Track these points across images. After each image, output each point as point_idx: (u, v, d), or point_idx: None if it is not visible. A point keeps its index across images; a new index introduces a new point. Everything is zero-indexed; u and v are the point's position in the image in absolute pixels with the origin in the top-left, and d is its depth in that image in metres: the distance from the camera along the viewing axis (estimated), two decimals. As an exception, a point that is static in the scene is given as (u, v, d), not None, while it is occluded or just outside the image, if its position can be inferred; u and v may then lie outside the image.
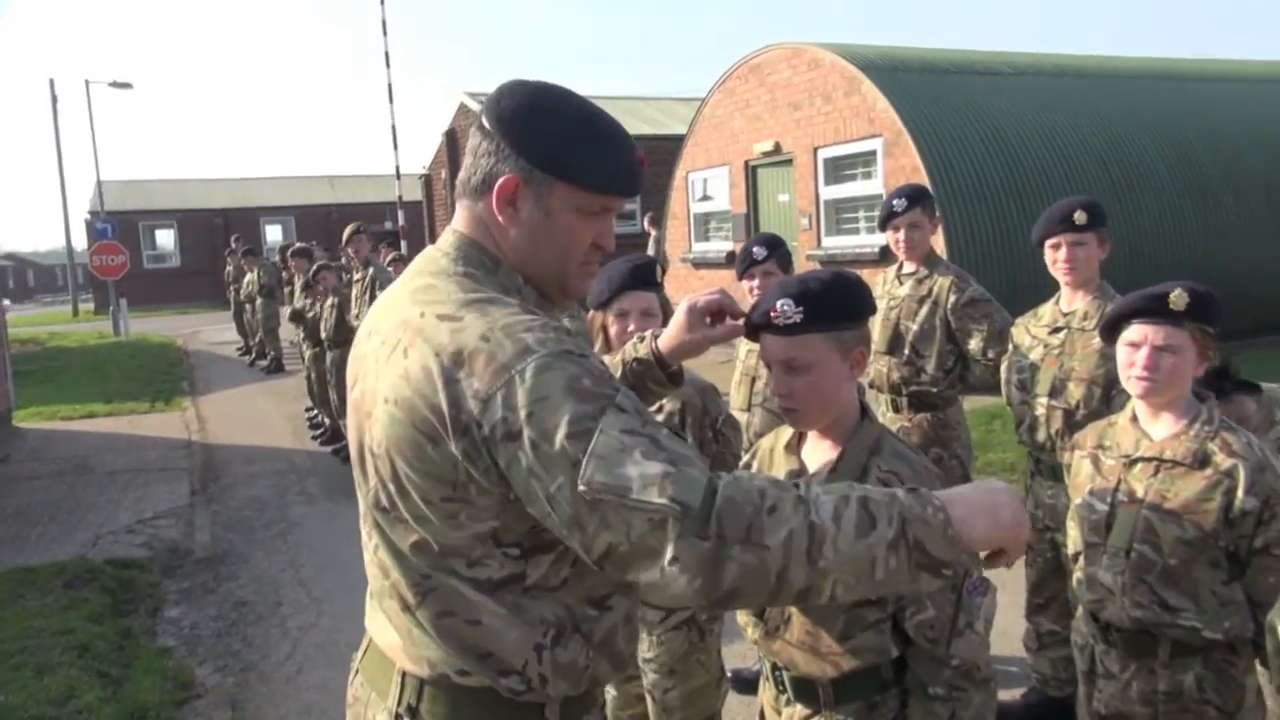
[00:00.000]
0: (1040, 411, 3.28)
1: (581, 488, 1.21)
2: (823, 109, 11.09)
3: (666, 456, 1.22)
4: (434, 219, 23.26)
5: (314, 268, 8.74)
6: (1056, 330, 3.28)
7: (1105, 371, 3.09)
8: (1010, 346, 3.48)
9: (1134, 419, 2.35)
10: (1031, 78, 11.30)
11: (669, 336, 1.78)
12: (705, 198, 13.89)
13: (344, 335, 7.74)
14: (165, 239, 33.07)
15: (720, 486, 1.22)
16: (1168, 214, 10.50)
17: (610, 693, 2.75)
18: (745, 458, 2.11)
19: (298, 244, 12.22)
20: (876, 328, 3.86)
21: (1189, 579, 2.22)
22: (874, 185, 10.53)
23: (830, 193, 11.32)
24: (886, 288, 4.00)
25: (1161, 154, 10.83)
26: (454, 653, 1.39)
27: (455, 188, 1.49)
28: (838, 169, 11.21)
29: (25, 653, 4.15)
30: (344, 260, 10.08)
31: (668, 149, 15.09)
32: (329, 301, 8.16)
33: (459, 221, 1.49)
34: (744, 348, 3.81)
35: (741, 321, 1.78)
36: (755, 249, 3.61)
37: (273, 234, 32.20)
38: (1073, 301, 3.28)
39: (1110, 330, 2.35)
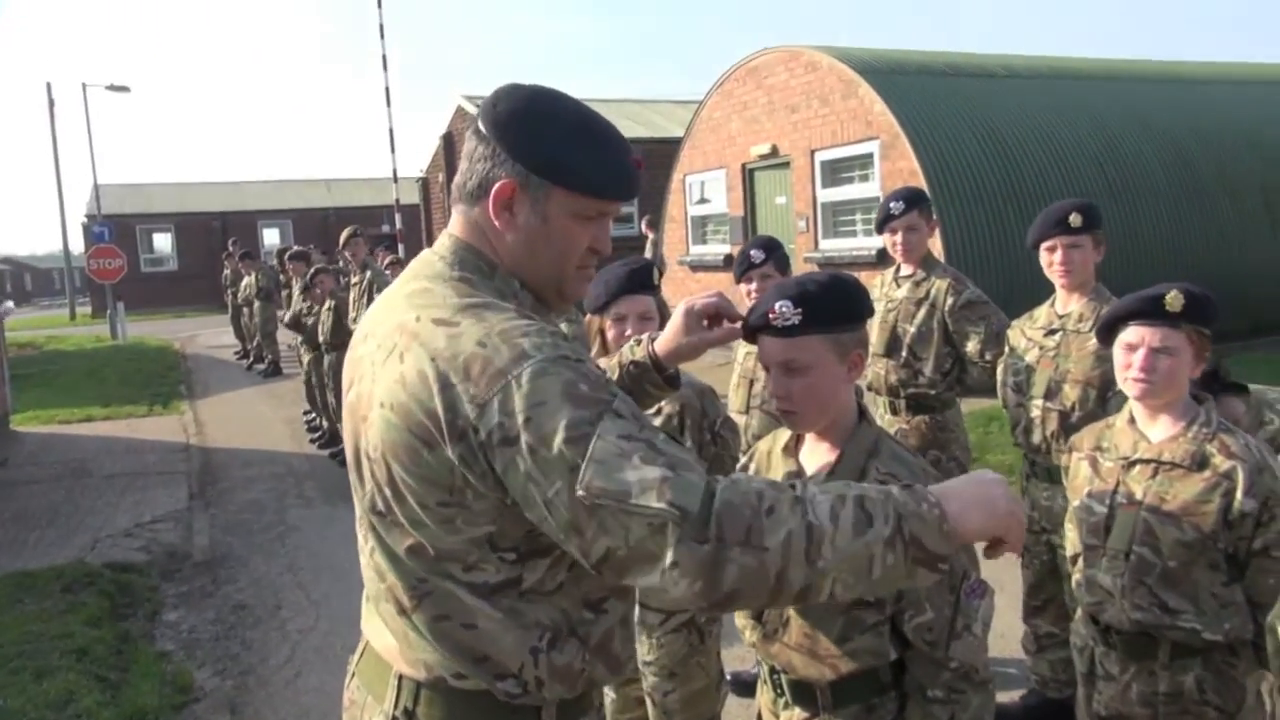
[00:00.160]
0: (1036, 413, 3.28)
1: (580, 493, 1.21)
2: (820, 111, 11.10)
3: (665, 461, 1.22)
4: (431, 222, 23.27)
5: (311, 271, 8.74)
6: (1052, 332, 3.29)
7: (1100, 373, 3.09)
8: (1006, 349, 3.49)
9: (1132, 421, 2.36)
10: (1028, 80, 11.32)
11: (666, 339, 1.78)
12: (703, 201, 13.89)
13: (341, 338, 7.74)
14: (163, 242, 33.04)
15: (718, 490, 1.22)
16: (1164, 216, 10.52)
17: (610, 696, 2.75)
18: (743, 460, 2.12)
19: (295, 247, 12.22)
20: (874, 330, 3.86)
21: (1188, 581, 2.22)
22: (871, 188, 10.54)
23: (827, 195, 11.33)
24: (884, 290, 4.00)
25: (1158, 156, 10.85)
26: (450, 656, 1.38)
27: (451, 192, 1.49)
28: (835, 172, 11.22)
29: (24, 657, 4.14)
30: (341, 263, 10.08)
31: (665, 152, 15.09)
32: (326, 305, 8.16)
33: (455, 226, 1.48)
34: (742, 350, 3.81)
35: (739, 324, 1.79)
36: (753, 252, 3.61)
37: (270, 237, 32.18)
38: (1068, 304, 3.28)
39: (1107, 332, 2.36)
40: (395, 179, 18.13)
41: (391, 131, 17.27)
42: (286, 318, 9.10)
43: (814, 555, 1.21)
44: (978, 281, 4.01)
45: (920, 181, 9.33)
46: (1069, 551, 2.50)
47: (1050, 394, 3.24)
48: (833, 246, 11.25)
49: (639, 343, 1.83)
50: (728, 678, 2.89)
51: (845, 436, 1.82)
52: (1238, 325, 9.31)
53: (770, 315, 1.76)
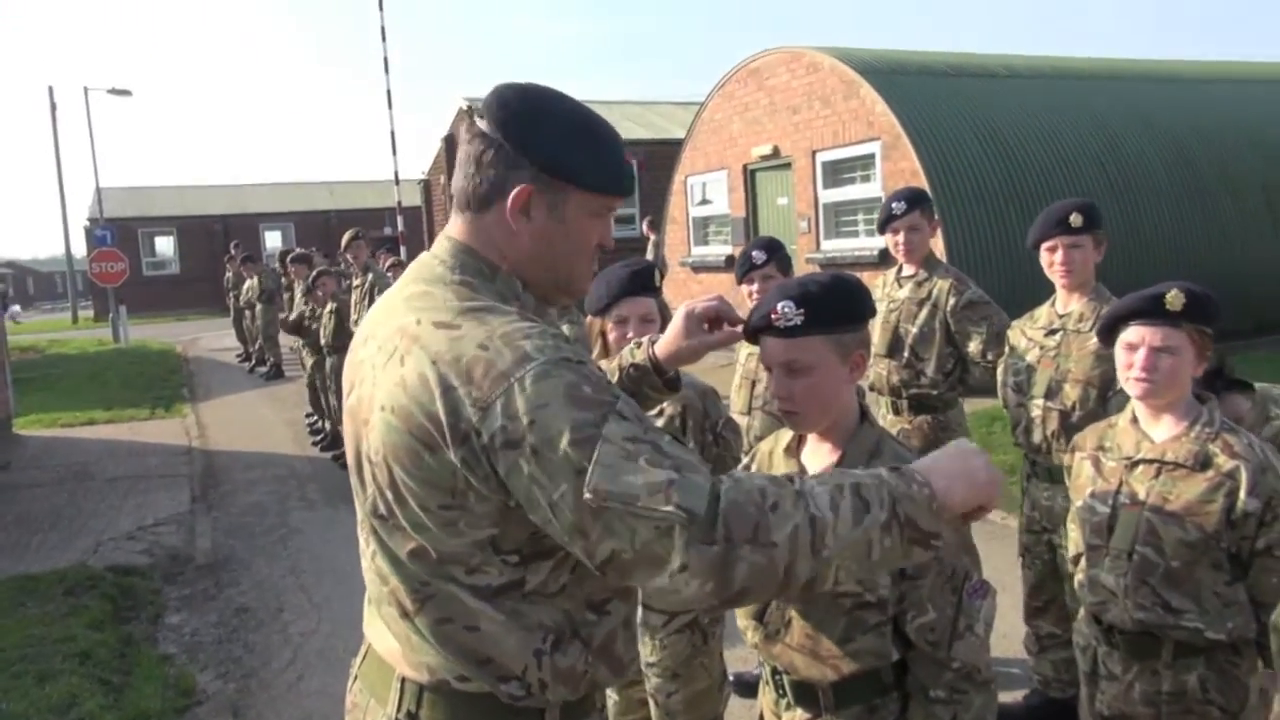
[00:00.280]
0: (1036, 413, 3.28)
1: (588, 495, 1.21)
2: (821, 112, 11.10)
3: (671, 463, 1.23)
4: (433, 224, 23.27)
5: (313, 273, 8.74)
6: (1052, 332, 3.29)
7: (1101, 373, 3.09)
8: (1006, 349, 3.48)
9: (1134, 421, 2.35)
10: (1030, 80, 11.31)
11: (666, 342, 1.78)
12: (704, 202, 13.89)
13: (343, 341, 7.74)
14: (165, 246, 33.09)
15: (723, 490, 1.23)
16: (1166, 215, 10.52)
17: (613, 697, 2.75)
18: (745, 461, 2.12)
19: (297, 250, 12.22)
20: (876, 330, 3.86)
21: (1191, 580, 2.22)
22: (873, 188, 10.54)
23: (829, 196, 11.33)
24: (886, 290, 4.00)
25: (1160, 155, 10.84)
26: (453, 659, 1.38)
27: (455, 196, 1.48)
28: (836, 172, 11.22)
29: (26, 660, 4.15)
30: (343, 266, 10.09)
31: (667, 153, 15.10)
32: (328, 307, 8.17)
33: (454, 229, 1.47)
34: (744, 351, 3.81)
35: (739, 328, 1.79)
36: (754, 253, 3.61)
37: (272, 240, 32.21)
38: (1068, 303, 3.28)
39: (1108, 332, 2.36)
40: (397, 181, 18.14)
41: (393, 134, 17.26)
42: (292, 318, 9.08)
43: (819, 546, 1.24)
44: (979, 281, 4.01)
45: (922, 182, 9.32)
46: (1071, 551, 2.50)
47: (1051, 394, 3.23)
48: (834, 247, 11.25)
49: (639, 346, 1.83)
50: (730, 679, 2.89)
51: (847, 437, 1.82)
52: (1240, 324, 9.30)
53: (772, 316, 1.76)
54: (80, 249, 31.19)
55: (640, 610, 2.56)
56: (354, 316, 8.04)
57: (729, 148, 12.91)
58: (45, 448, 9.26)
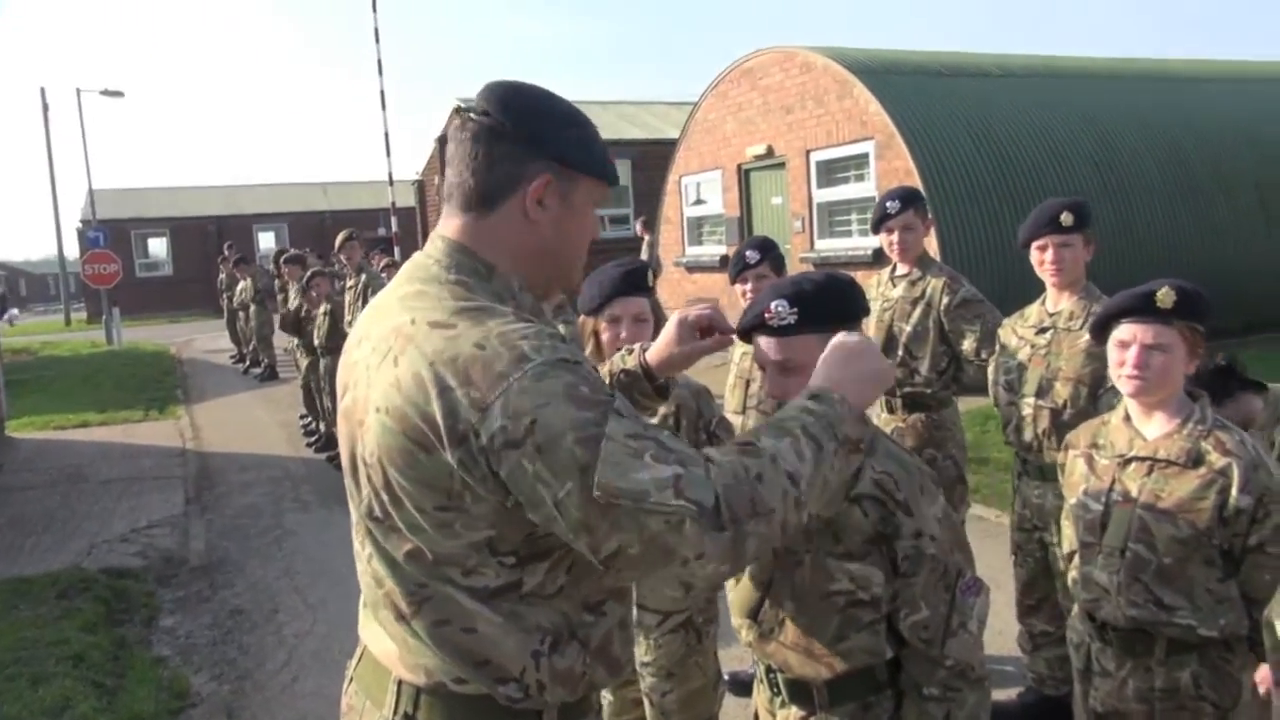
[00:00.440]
0: (1027, 411, 3.29)
1: (596, 493, 1.22)
2: (815, 112, 11.11)
3: (675, 458, 1.25)
4: (427, 225, 23.24)
5: (307, 274, 8.72)
6: (1043, 330, 3.30)
7: (1091, 371, 3.10)
8: (997, 347, 3.49)
9: (1127, 418, 2.36)
10: (1023, 79, 11.34)
11: (658, 349, 1.78)
12: (698, 202, 13.89)
13: (337, 342, 7.73)
14: (158, 247, 32.99)
15: (713, 476, 1.27)
16: (1159, 213, 10.55)
17: (607, 697, 2.75)
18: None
19: (291, 251, 12.20)
20: (870, 329, 3.87)
21: (1184, 577, 2.23)
22: (867, 188, 10.55)
23: (823, 195, 11.34)
24: (880, 290, 4.01)
25: (1153, 154, 10.87)
26: (451, 661, 1.38)
27: (451, 195, 1.46)
28: (830, 172, 11.23)
29: (20, 663, 4.13)
30: (337, 266, 10.07)
31: (661, 153, 15.09)
32: (322, 308, 8.15)
33: (448, 228, 1.46)
34: (739, 351, 3.81)
35: (730, 336, 1.80)
36: (748, 252, 3.61)
37: (266, 241, 32.14)
38: (1059, 302, 3.29)
39: (1100, 330, 2.36)
40: (391, 182, 18.10)
41: (387, 135, 17.23)
42: (291, 309, 9.03)
43: (801, 498, 1.32)
44: (973, 280, 4.02)
45: (915, 181, 9.33)
46: (1064, 549, 2.50)
47: (1041, 392, 3.24)
48: (828, 246, 11.26)
49: (630, 352, 1.83)
50: (725, 677, 2.90)
51: (841, 436, 1.82)
52: (1232, 322, 9.33)
53: (766, 315, 1.76)
54: (73, 250, 31.06)
55: (635, 610, 2.56)
56: (348, 317, 8.03)
57: (723, 148, 12.91)
58: (38, 450, 9.23)
